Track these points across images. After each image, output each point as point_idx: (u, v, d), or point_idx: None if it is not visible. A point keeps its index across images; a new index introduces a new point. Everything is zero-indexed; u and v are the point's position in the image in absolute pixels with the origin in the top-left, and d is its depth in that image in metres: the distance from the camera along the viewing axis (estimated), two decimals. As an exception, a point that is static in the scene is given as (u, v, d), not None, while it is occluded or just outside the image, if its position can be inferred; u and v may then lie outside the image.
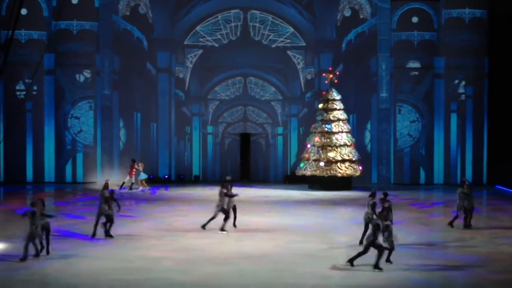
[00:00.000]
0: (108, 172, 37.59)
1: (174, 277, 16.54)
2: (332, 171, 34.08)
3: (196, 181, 38.59)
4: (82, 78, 37.17)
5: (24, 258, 17.87)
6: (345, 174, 34.25)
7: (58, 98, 37.03)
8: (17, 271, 17.08)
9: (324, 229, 23.39)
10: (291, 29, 39.11)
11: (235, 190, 23.23)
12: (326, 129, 34.45)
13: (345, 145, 34.39)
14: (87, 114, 37.12)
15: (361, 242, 19.65)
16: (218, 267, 17.56)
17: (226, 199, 22.64)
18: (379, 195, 20.10)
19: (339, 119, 34.64)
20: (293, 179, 37.20)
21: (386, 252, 17.37)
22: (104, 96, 37.91)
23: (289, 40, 39.19)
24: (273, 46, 39.18)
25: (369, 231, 17.70)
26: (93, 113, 37.20)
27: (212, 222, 22.56)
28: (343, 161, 34.22)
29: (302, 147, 36.90)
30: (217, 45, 39.13)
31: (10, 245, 20.30)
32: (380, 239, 17.46)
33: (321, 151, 34.27)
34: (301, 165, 35.17)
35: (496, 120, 37.13)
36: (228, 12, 39.08)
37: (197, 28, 39.02)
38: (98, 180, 36.93)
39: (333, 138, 34.32)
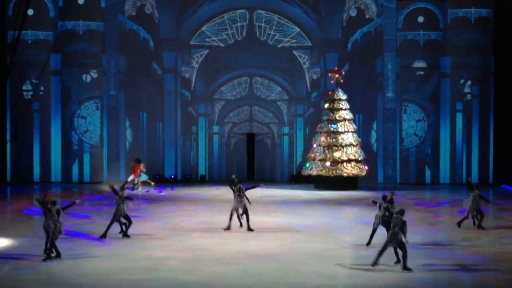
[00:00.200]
0: (115, 172, 37.68)
1: (180, 276, 16.56)
2: (338, 171, 34.07)
3: (202, 181, 38.63)
4: (88, 78, 37.23)
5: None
6: (351, 174, 34.24)
7: (65, 98, 37.10)
8: (23, 271, 17.13)
9: (330, 229, 23.38)
10: (297, 29, 39.10)
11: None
12: (332, 129, 34.44)
13: (351, 144, 34.38)
14: (93, 114, 37.18)
15: (368, 244, 19.64)
16: (223, 266, 17.57)
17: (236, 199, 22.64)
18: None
19: (345, 119, 34.62)
20: (299, 179, 37.20)
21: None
22: (111, 96, 37.96)
23: (295, 40, 39.19)
24: (279, 46, 39.18)
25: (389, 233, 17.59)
26: (99, 113, 37.25)
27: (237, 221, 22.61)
28: (349, 161, 34.21)
29: (308, 147, 36.90)
30: (223, 45, 39.15)
31: (17, 244, 20.36)
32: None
33: (327, 151, 34.26)
34: (307, 165, 35.16)
35: (502, 119, 37.08)
36: (234, 12, 39.10)
37: (203, 28, 39.05)
38: (104, 180, 37.01)
39: (339, 138, 34.31)
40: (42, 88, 36.87)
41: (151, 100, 38.87)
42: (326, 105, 35.26)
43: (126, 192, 21.99)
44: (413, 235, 18.81)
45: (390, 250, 18.23)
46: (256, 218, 23.95)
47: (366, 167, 34.80)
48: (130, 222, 21.11)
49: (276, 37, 39.16)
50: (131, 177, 33.70)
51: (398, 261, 17.52)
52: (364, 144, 36.22)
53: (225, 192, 32.34)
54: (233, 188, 22.73)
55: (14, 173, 36.79)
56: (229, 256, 18.78)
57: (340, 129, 34.43)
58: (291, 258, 18.66)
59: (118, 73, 38.13)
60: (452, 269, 17.45)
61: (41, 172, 36.98)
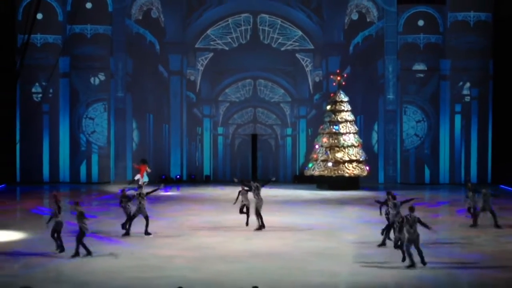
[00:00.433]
0: (121, 173, 37.73)
1: (186, 274, 16.61)
2: (339, 171, 34.09)
3: (207, 181, 38.65)
4: (96, 81, 37.28)
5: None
6: (352, 174, 34.25)
7: (73, 100, 37.16)
8: (33, 269, 17.20)
9: (332, 228, 23.42)
10: (300, 33, 39.12)
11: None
12: (334, 130, 34.46)
13: (352, 145, 34.39)
14: (101, 116, 37.22)
15: (383, 242, 19.68)
16: (228, 265, 17.62)
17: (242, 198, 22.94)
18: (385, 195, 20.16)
19: (346, 120, 34.64)
20: (301, 179, 37.20)
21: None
22: (118, 98, 38.01)
23: (297, 43, 39.21)
24: (282, 49, 39.19)
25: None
26: (106, 115, 37.30)
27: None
28: (350, 161, 34.22)
29: (310, 148, 36.92)
30: (227, 48, 39.18)
31: (27, 243, 20.43)
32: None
33: (329, 152, 34.28)
34: (310, 165, 35.18)
35: (501, 120, 37.05)
36: (238, 16, 39.13)
37: (208, 31, 39.09)
38: (111, 180, 37.07)
39: (341, 139, 34.32)
40: (51, 90, 36.91)
41: (157, 102, 38.91)
42: (328, 107, 35.27)
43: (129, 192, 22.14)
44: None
45: (390, 247, 18.29)
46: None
47: (367, 168, 34.82)
48: (148, 220, 21.48)
49: (279, 41, 39.18)
50: (137, 176, 33.60)
51: (404, 259, 17.51)
52: (365, 145, 36.23)
53: (230, 192, 32.40)
54: (250, 187, 22.81)
55: (23, 173, 36.84)
56: (234, 255, 18.83)
57: (341, 130, 34.44)
58: (295, 257, 18.70)
59: (125, 76, 38.18)
60: (451, 267, 17.48)
61: (50, 173, 37.04)
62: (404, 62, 37.63)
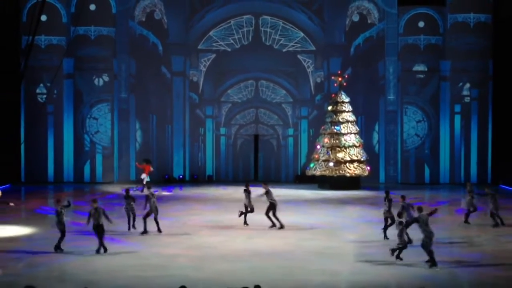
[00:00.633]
0: (125, 173, 37.70)
1: (188, 273, 16.58)
2: (341, 171, 34.04)
3: (210, 181, 38.60)
4: (99, 82, 37.26)
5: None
6: (353, 174, 34.21)
7: (77, 101, 37.14)
8: (37, 268, 17.18)
9: (333, 227, 23.38)
10: (301, 34, 39.07)
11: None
12: (335, 131, 34.42)
13: (353, 146, 34.34)
14: (104, 116, 37.20)
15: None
16: (230, 264, 17.59)
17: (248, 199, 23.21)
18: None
19: (347, 121, 34.59)
20: (303, 179, 37.14)
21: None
22: (121, 99, 37.98)
23: (299, 45, 39.16)
24: (284, 50, 39.14)
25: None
26: (110, 115, 37.28)
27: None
28: (351, 161, 34.18)
29: (312, 148, 36.86)
30: (229, 50, 39.14)
31: (31, 242, 20.41)
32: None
33: (330, 152, 34.24)
34: (311, 165, 35.14)
35: (501, 121, 36.98)
36: (240, 17, 39.09)
37: (211, 33, 39.05)
38: (115, 180, 37.05)
39: (342, 139, 34.28)
40: (55, 91, 36.90)
41: (160, 102, 38.87)
42: (330, 108, 35.23)
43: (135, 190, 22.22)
44: (414, 234, 18.79)
45: (387, 246, 18.25)
46: (262, 217, 23.94)
47: (368, 168, 34.78)
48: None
49: (281, 42, 39.13)
50: (143, 176, 33.52)
51: (399, 257, 17.50)
52: (366, 145, 36.18)
53: (232, 192, 32.46)
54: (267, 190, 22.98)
55: (28, 173, 36.83)
56: (236, 254, 18.80)
57: (343, 131, 34.40)
58: (296, 256, 18.66)
59: (129, 77, 38.16)
60: (452, 266, 17.44)
61: (55, 173, 37.04)
62: (405, 63, 37.58)
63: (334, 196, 32.15)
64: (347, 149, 34.18)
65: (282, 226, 22.76)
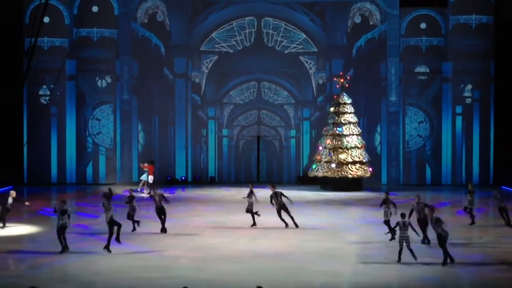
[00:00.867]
0: (127, 174, 37.71)
1: (190, 274, 16.59)
2: (343, 173, 34.03)
3: (212, 182, 38.60)
4: (102, 83, 37.29)
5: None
6: (355, 175, 34.19)
7: (79, 103, 37.17)
8: (39, 269, 17.19)
9: (335, 228, 23.37)
10: (303, 36, 39.07)
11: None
12: (337, 132, 34.41)
13: (355, 147, 34.34)
14: (107, 118, 37.23)
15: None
16: (232, 265, 17.59)
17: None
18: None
19: (349, 122, 34.59)
20: (305, 180, 37.12)
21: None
22: (124, 101, 38.00)
23: (301, 46, 39.16)
24: (286, 52, 39.14)
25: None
26: (112, 117, 37.31)
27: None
28: (353, 162, 34.17)
29: (314, 149, 36.85)
30: (232, 51, 39.14)
31: (33, 243, 20.43)
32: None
33: (332, 153, 34.23)
34: (313, 166, 35.13)
35: (502, 122, 36.96)
36: (242, 19, 39.09)
37: (213, 34, 39.06)
38: (117, 181, 37.06)
39: (344, 140, 34.28)
40: (58, 93, 36.91)
41: (162, 104, 38.89)
42: (332, 109, 35.23)
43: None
44: (415, 235, 18.80)
45: (393, 247, 18.24)
46: (264, 218, 23.98)
47: (370, 169, 34.76)
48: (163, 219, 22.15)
49: (283, 43, 39.13)
50: (143, 177, 33.56)
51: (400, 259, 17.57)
52: (368, 147, 36.17)
53: (234, 193, 32.47)
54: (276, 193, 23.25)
55: (31, 174, 36.85)
56: (238, 255, 18.80)
57: (345, 132, 34.40)
58: (298, 257, 18.66)
59: (131, 78, 38.17)
60: (454, 267, 17.42)
61: (58, 174, 37.07)
62: (407, 64, 37.58)
63: (336, 197, 32.14)
64: (349, 151, 34.17)
65: (295, 225, 23.12)
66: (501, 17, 37.12)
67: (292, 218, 23.05)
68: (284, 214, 23.08)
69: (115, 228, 19.45)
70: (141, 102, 38.44)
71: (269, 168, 39.29)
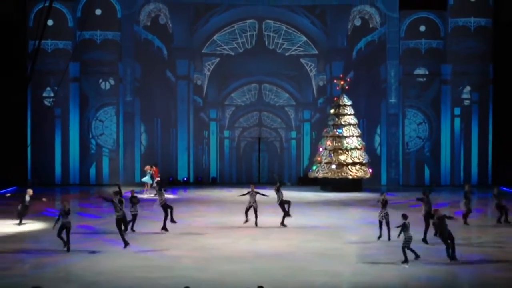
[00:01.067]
0: (130, 175, 37.71)
1: (192, 274, 16.59)
2: (343, 174, 34.03)
3: (214, 183, 38.61)
4: (105, 85, 37.31)
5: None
6: (355, 176, 34.19)
7: (83, 105, 37.20)
8: (43, 269, 17.20)
9: (335, 229, 23.37)
10: (304, 38, 39.08)
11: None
12: (337, 133, 34.42)
13: (355, 148, 34.35)
14: (110, 120, 37.27)
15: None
16: (233, 265, 17.58)
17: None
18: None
19: (349, 124, 34.59)
20: (306, 181, 37.13)
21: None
22: (126, 103, 38.03)
23: (302, 49, 39.16)
24: (287, 54, 39.15)
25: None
26: (115, 119, 37.34)
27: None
28: (353, 164, 34.17)
29: (314, 151, 36.86)
30: (233, 54, 39.15)
31: (37, 243, 20.42)
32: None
33: (332, 154, 34.23)
34: (314, 167, 35.14)
35: (501, 123, 36.95)
36: (244, 22, 39.11)
37: (214, 37, 39.07)
38: (120, 182, 37.06)
39: (344, 142, 34.28)
40: (61, 94, 36.92)
41: (164, 106, 38.90)
42: (332, 111, 35.24)
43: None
44: (415, 235, 18.78)
45: (393, 248, 18.23)
46: (265, 218, 23.99)
47: (370, 170, 34.77)
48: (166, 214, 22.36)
49: (284, 46, 39.14)
50: (145, 178, 33.53)
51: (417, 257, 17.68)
52: (368, 148, 36.17)
53: (236, 194, 32.40)
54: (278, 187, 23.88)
55: (35, 175, 36.84)
56: (239, 255, 18.80)
57: (345, 134, 34.41)
58: (299, 257, 18.65)
59: (134, 81, 38.19)
60: (453, 267, 17.42)
61: (61, 175, 37.09)
62: (406, 66, 37.60)
63: (336, 198, 32.14)
64: (349, 152, 34.18)
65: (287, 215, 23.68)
66: (499, 20, 37.11)
67: (256, 217, 23.38)
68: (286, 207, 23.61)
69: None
70: (143, 104, 38.45)
71: (270, 169, 39.28)
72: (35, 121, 36.60)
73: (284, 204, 23.71)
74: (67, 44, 37.03)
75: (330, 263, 17.92)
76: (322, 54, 39.05)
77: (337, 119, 34.69)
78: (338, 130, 34.45)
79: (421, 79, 37.65)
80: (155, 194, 30.24)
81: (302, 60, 39.22)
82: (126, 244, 19.26)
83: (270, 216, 24.44)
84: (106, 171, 37.17)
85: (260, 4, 38.86)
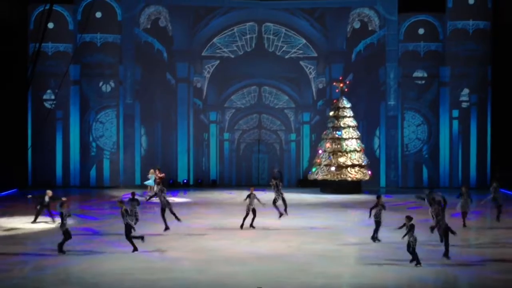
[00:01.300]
0: (130, 177, 37.71)
1: (192, 276, 16.57)
2: (342, 176, 34.02)
3: (213, 185, 38.60)
4: (105, 88, 37.31)
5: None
6: (354, 178, 34.19)
7: (83, 107, 37.20)
8: (43, 271, 17.16)
9: (335, 231, 23.35)
10: (303, 41, 39.09)
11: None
12: (336, 136, 34.42)
13: (354, 150, 34.34)
14: (110, 122, 37.27)
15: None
16: (233, 267, 17.56)
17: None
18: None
19: (349, 126, 34.59)
20: (305, 183, 37.13)
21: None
22: (127, 105, 38.03)
23: (301, 51, 39.18)
24: (286, 57, 39.17)
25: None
26: (116, 121, 37.34)
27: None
28: (353, 166, 34.16)
29: (314, 153, 36.86)
30: (233, 56, 39.17)
31: (38, 245, 20.40)
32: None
33: (332, 157, 34.23)
34: (313, 169, 35.13)
35: (499, 125, 36.95)
36: (243, 25, 39.12)
37: (214, 40, 39.09)
38: (120, 184, 37.08)
39: (344, 144, 34.28)
40: (59, 94, 36.91)
41: (165, 108, 38.90)
42: (331, 113, 35.24)
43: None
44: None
45: (392, 249, 18.19)
46: (265, 220, 23.98)
47: (369, 172, 34.76)
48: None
49: (284, 48, 39.15)
50: (149, 181, 33.46)
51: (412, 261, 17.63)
52: (367, 150, 36.18)
53: (236, 196, 32.45)
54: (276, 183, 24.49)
55: (36, 177, 36.85)
56: (239, 257, 18.77)
57: (344, 136, 34.40)
58: (298, 259, 18.63)
59: (134, 83, 38.20)
60: (452, 269, 17.40)
61: (62, 177, 37.08)
62: (405, 69, 37.61)
63: (335, 200, 32.13)
64: (349, 154, 34.17)
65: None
66: (497, 23, 37.12)
67: (253, 218, 23.38)
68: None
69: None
70: (144, 107, 38.46)
71: (269, 172, 39.25)
72: (35, 124, 36.60)
73: (276, 203, 23.99)
74: (68, 46, 37.05)
75: (329, 264, 17.90)
76: (322, 57, 39.07)
77: (336, 121, 34.69)
78: (337, 132, 34.44)
79: (420, 82, 37.66)
80: (155, 194, 30.29)
81: (301, 63, 39.23)
82: (135, 248, 19.17)
83: (270, 218, 24.42)
84: (107, 173, 37.16)
85: (260, 7, 38.88)
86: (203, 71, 39.24)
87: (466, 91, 37.39)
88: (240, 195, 29.16)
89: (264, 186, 34.67)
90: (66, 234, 18.81)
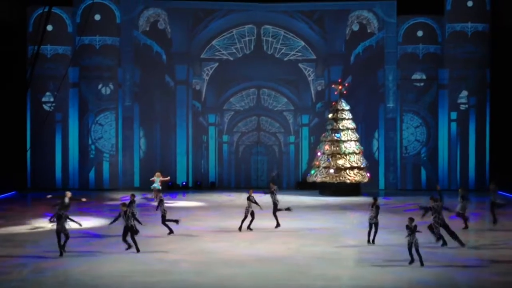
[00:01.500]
0: (129, 179, 37.71)
1: (191, 279, 16.56)
2: (341, 178, 34.02)
3: (212, 187, 38.60)
4: (104, 91, 37.31)
5: None
6: (353, 181, 34.18)
7: (82, 109, 37.20)
8: (42, 273, 17.15)
9: (334, 233, 23.34)
10: (302, 43, 39.11)
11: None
12: (335, 138, 34.42)
13: (353, 153, 34.34)
14: (109, 124, 37.28)
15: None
16: (232, 269, 17.55)
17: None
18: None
19: (348, 128, 34.60)
20: (304, 186, 37.13)
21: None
22: (126, 107, 38.05)
23: (300, 54, 39.20)
24: (285, 59, 39.19)
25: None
26: (115, 124, 37.35)
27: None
28: (351, 168, 34.16)
29: (312, 155, 36.86)
30: (232, 59, 39.18)
31: (36, 247, 20.39)
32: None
33: (330, 159, 34.23)
34: (312, 172, 35.13)
35: (498, 128, 36.97)
36: (242, 27, 39.14)
37: (213, 42, 39.10)
38: (119, 186, 37.07)
39: (342, 146, 34.28)
40: (60, 99, 36.92)
41: (164, 111, 38.92)
42: (330, 115, 35.25)
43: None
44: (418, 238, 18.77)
45: (391, 251, 18.18)
46: (264, 222, 23.97)
47: (368, 174, 34.76)
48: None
49: (283, 51, 39.18)
50: (155, 185, 33.38)
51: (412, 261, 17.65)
52: (366, 152, 36.18)
53: (234, 198, 32.46)
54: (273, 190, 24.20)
55: (35, 180, 36.84)
56: (238, 259, 18.76)
57: (343, 138, 34.41)
58: (297, 261, 18.62)
59: (133, 86, 38.22)
60: (450, 271, 17.39)
61: (61, 179, 37.07)
62: (404, 71, 37.64)
63: (334, 202, 32.12)
64: (347, 156, 34.17)
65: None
66: (496, 25, 37.16)
67: (251, 220, 23.42)
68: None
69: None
70: (142, 109, 38.46)
71: (268, 174, 39.27)
72: (34, 126, 36.59)
73: (276, 213, 23.79)
74: (67, 49, 37.06)
75: (328, 267, 17.89)
76: (320, 59, 39.09)
77: (335, 123, 34.69)
78: (336, 134, 34.45)
79: (418, 84, 37.68)
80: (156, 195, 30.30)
81: (300, 65, 39.25)
82: (137, 249, 19.26)
83: (268, 220, 24.40)
84: (106, 176, 37.16)
85: (259, 9, 38.90)
86: (202, 73, 39.25)
87: (464, 93, 37.42)
88: (239, 197, 29.20)
89: (263, 188, 34.65)
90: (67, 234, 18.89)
